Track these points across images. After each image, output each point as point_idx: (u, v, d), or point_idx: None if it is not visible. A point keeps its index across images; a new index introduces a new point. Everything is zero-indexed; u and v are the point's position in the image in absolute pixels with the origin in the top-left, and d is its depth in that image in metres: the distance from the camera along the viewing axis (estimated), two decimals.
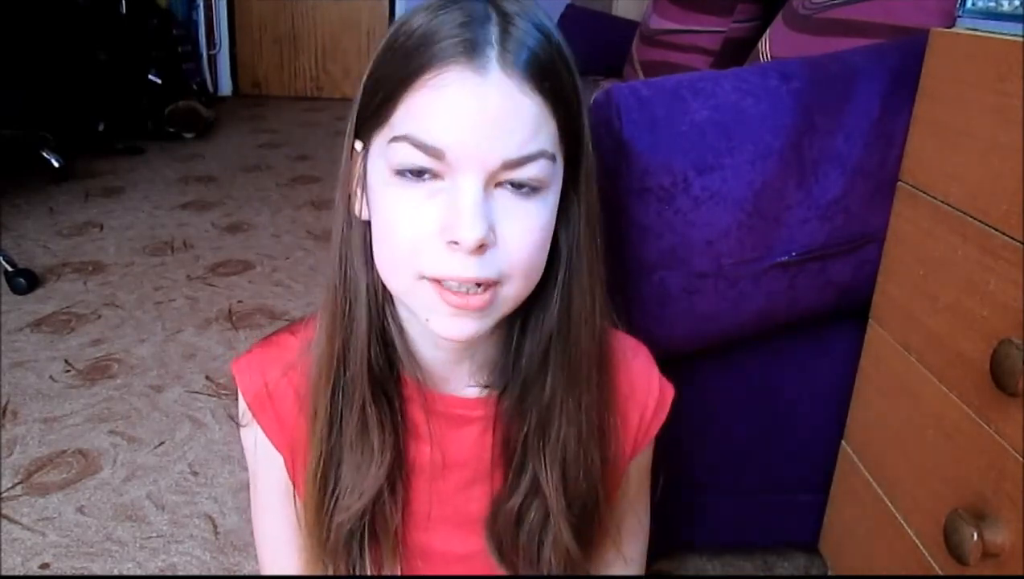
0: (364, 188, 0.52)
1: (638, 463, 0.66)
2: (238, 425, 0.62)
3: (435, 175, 0.47)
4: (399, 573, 0.59)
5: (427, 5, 0.49)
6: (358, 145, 0.53)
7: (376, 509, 0.57)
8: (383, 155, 0.48)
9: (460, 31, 0.46)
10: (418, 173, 0.47)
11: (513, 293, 0.50)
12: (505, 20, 0.47)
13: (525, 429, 0.56)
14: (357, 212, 0.54)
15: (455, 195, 0.46)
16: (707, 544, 1.09)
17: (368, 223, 0.53)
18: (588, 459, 0.57)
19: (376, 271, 0.53)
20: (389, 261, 0.50)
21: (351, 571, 0.57)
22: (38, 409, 1.36)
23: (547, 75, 0.47)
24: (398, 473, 0.57)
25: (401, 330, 0.56)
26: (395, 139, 0.47)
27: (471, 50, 0.46)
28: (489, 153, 0.46)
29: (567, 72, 0.49)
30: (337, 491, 0.56)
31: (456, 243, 0.46)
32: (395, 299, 0.55)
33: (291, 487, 0.60)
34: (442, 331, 0.50)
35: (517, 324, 0.56)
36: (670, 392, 0.64)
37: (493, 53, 0.46)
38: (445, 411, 0.58)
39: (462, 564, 0.62)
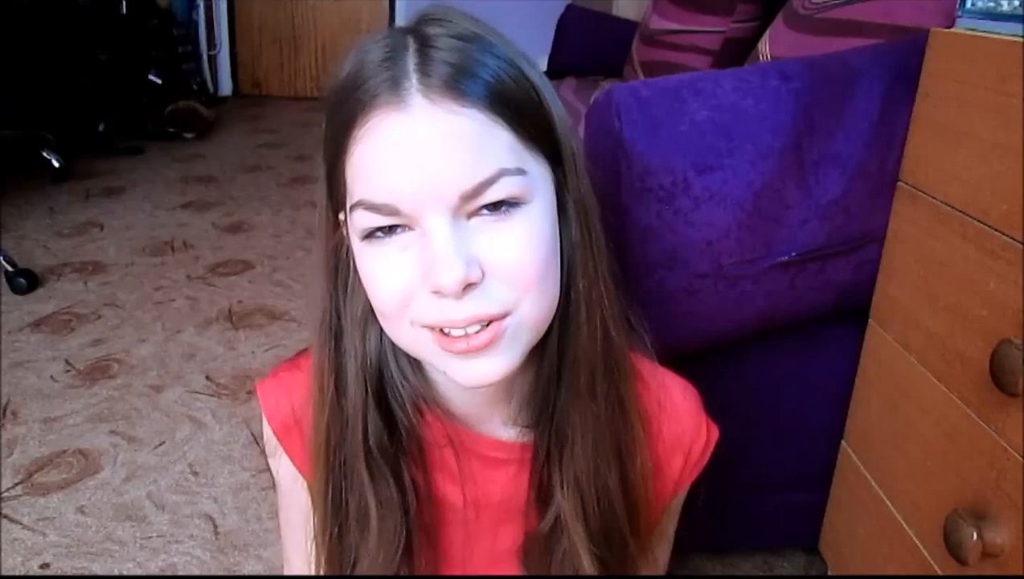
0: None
1: (674, 502, 0.64)
2: (262, 450, 0.61)
3: (404, 227, 0.44)
4: None
5: (357, 44, 0.46)
6: (340, 215, 0.50)
7: (401, 568, 0.54)
8: (352, 224, 0.46)
9: (380, 70, 0.43)
10: (387, 230, 0.44)
11: (529, 316, 0.46)
12: (424, 44, 0.44)
13: (545, 453, 0.54)
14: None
15: (426, 241, 0.43)
16: (707, 544, 1.09)
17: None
18: (602, 478, 0.54)
19: (367, 340, 0.51)
20: (385, 321, 0.48)
21: None
22: (38, 409, 1.36)
23: (480, 84, 0.43)
24: (420, 540, 0.55)
25: (426, 376, 0.53)
26: (353, 207, 0.45)
27: (391, 87, 0.42)
28: (442, 188, 0.42)
29: (511, 73, 0.45)
30: (354, 559, 0.54)
31: (439, 291, 0.43)
32: None
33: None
34: (464, 381, 0.46)
35: (537, 347, 0.51)
36: (715, 435, 0.61)
37: (412, 84, 0.42)
38: (480, 452, 0.55)
39: None
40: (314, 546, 0.56)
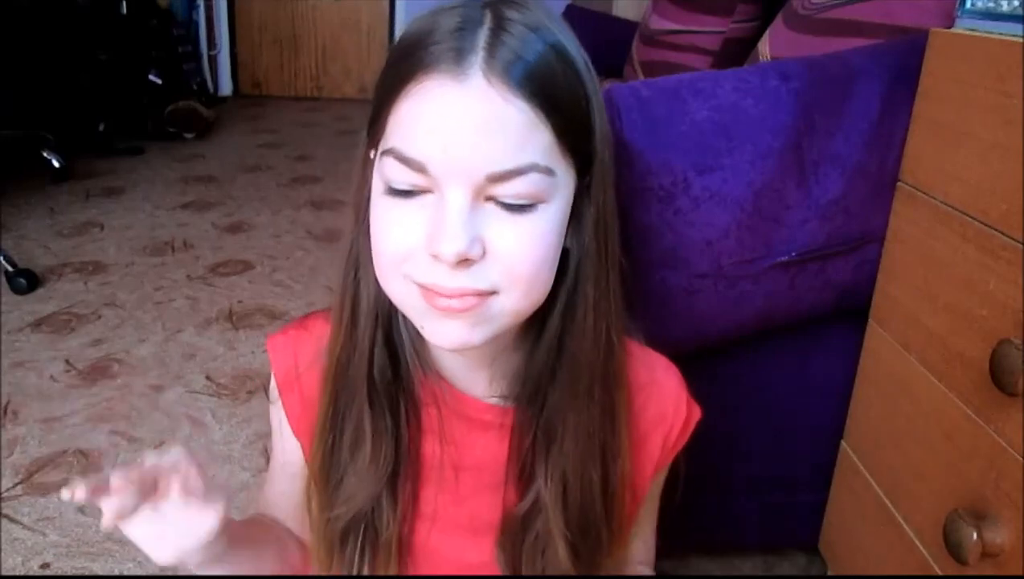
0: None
1: (655, 481, 0.65)
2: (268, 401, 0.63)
3: (424, 190, 0.46)
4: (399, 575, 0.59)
5: (435, 7, 0.47)
6: (372, 153, 0.52)
7: (375, 514, 0.57)
8: (379, 167, 0.48)
9: (450, 37, 0.45)
10: (407, 193, 0.46)
11: (511, 305, 0.48)
12: (499, 25, 0.45)
13: (531, 439, 0.56)
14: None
15: (441, 208, 0.45)
16: (707, 544, 1.09)
17: None
18: (587, 476, 0.56)
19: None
20: (380, 269, 0.50)
21: (347, 571, 0.57)
22: (38, 409, 1.36)
23: (539, 82, 0.45)
24: (405, 474, 0.57)
25: (419, 335, 0.55)
26: (385, 152, 0.46)
27: (456, 57, 0.44)
28: (472, 165, 0.44)
29: (570, 79, 0.47)
30: (337, 492, 0.57)
31: (437, 256, 0.45)
32: None
33: (304, 471, 0.61)
34: (434, 338, 0.49)
35: (532, 335, 0.54)
36: (697, 415, 0.62)
37: (477, 60, 0.44)
38: (464, 412, 0.57)
39: (473, 571, 0.61)
40: (305, 489, 0.59)
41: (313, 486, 0.58)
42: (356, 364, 0.54)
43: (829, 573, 0.98)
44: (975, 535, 0.61)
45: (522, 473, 0.57)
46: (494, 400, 0.57)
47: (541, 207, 0.46)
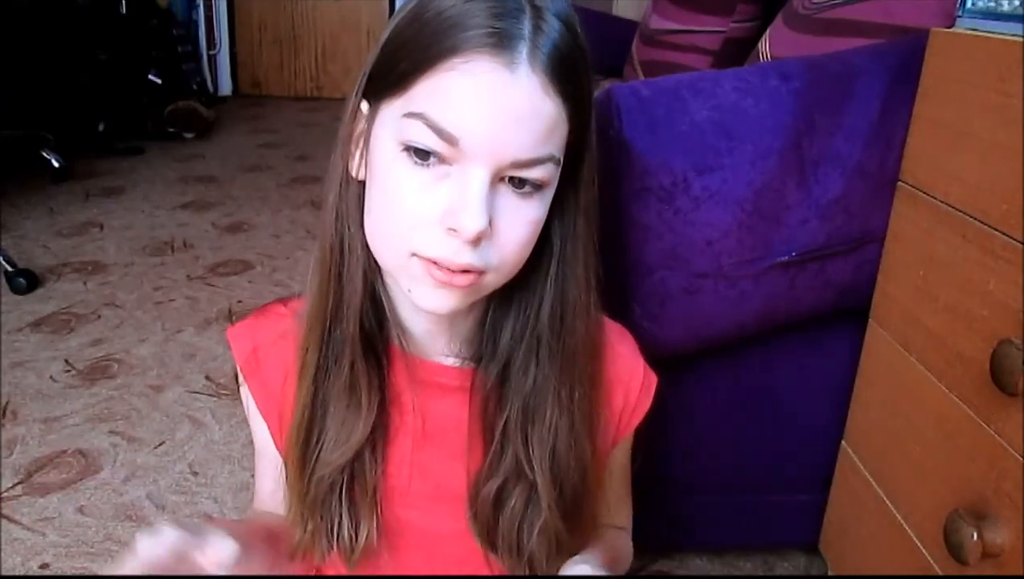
0: (365, 150, 0.52)
1: (622, 449, 0.66)
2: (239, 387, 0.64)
3: (442, 160, 0.46)
4: (376, 530, 0.59)
5: None
6: (364, 106, 0.52)
7: (356, 466, 0.57)
8: (394, 126, 0.48)
9: (493, 21, 0.45)
10: (425, 155, 0.46)
11: (495, 281, 0.51)
12: (537, 14, 0.46)
13: (506, 413, 0.57)
14: (354, 172, 0.53)
15: (463, 183, 0.46)
16: (707, 544, 1.09)
17: (363, 183, 0.53)
18: (580, 448, 0.57)
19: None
20: (382, 235, 0.51)
21: (329, 527, 0.58)
22: (38, 409, 1.36)
23: (570, 78, 0.47)
24: (380, 435, 0.58)
25: (386, 293, 0.57)
26: (410, 114, 0.46)
27: (504, 42, 0.45)
28: (503, 149, 0.46)
29: (586, 72, 0.49)
30: (320, 444, 0.57)
31: (455, 230, 0.46)
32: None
33: (275, 451, 0.62)
34: (423, 303, 0.50)
35: (494, 303, 0.57)
36: (654, 378, 0.64)
37: (524, 48, 0.45)
38: (426, 378, 0.59)
39: (443, 544, 0.62)
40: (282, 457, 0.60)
41: (293, 446, 0.58)
42: (348, 314, 0.55)
43: (829, 573, 0.98)
44: (975, 535, 0.61)
45: (487, 437, 0.58)
46: (451, 360, 0.59)
47: (542, 191, 0.50)
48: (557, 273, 0.55)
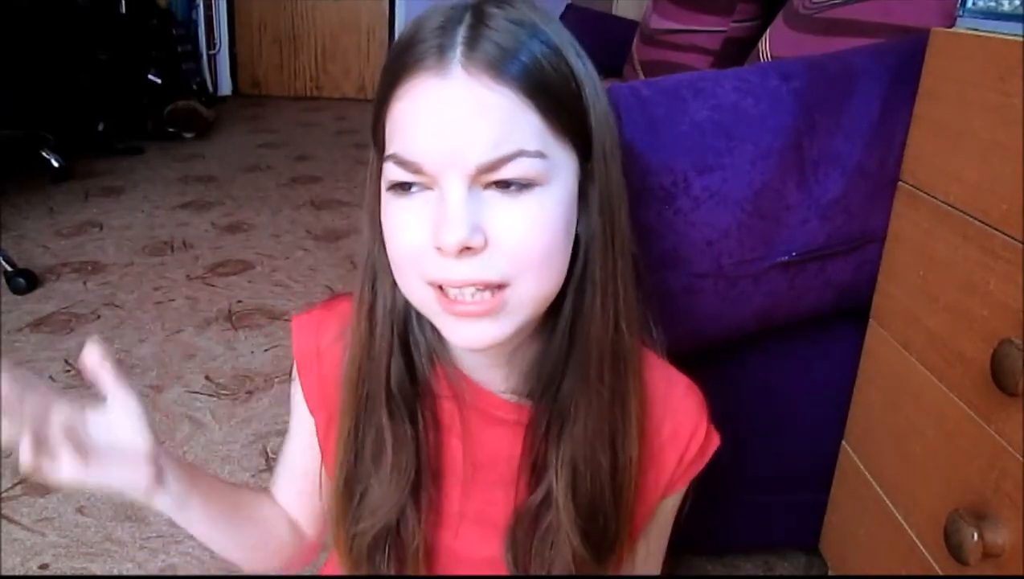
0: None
1: (667, 504, 0.64)
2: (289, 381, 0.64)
3: (424, 187, 0.47)
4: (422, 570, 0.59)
5: (424, 10, 0.48)
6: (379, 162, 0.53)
7: (400, 524, 0.57)
8: (384, 173, 0.49)
9: (432, 36, 0.46)
10: (407, 187, 0.47)
11: (528, 293, 0.48)
12: (478, 19, 0.46)
13: (543, 432, 0.55)
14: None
15: (441, 201, 0.46)
16: (707, 544, 1.09)
17: None
18: (596, 461, 0.55)
19: (397, 287, 0.53)
20: (397, 272, 0.50)
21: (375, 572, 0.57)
22: None
23: (521, 65, 0.45)
24: (428, 479, 0.57)
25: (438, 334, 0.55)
26: (387, 157, 0.48)
27: (437, 54, 0.45)
28: (462, 156, 0.45)
29: (555, 61, 0.47)
30: (361, 506, 0.57)
31: (440, 248, 0.45)
32: None
33: (317, 452, 0.61)
34: (456, 340, 0.49)
35: (548, 327, 0.54)
36: (715, 442, 0.61)
37: (456, 54, 0.45)
38: (481, 407, 0.58)
39: (474, 569, 0.61)
40: (326, 489, 0.60)
41: (335, 504, 0.58)
42: (374, 374, 0.54)
43: (829, 573, 0.98)
44: (976, 535, 0.61)
45: (534, 468, 0.57)
46: (510, 396, 0.57)
47: (538, 189, 0.47)
48: (578, 276, 0.52)
